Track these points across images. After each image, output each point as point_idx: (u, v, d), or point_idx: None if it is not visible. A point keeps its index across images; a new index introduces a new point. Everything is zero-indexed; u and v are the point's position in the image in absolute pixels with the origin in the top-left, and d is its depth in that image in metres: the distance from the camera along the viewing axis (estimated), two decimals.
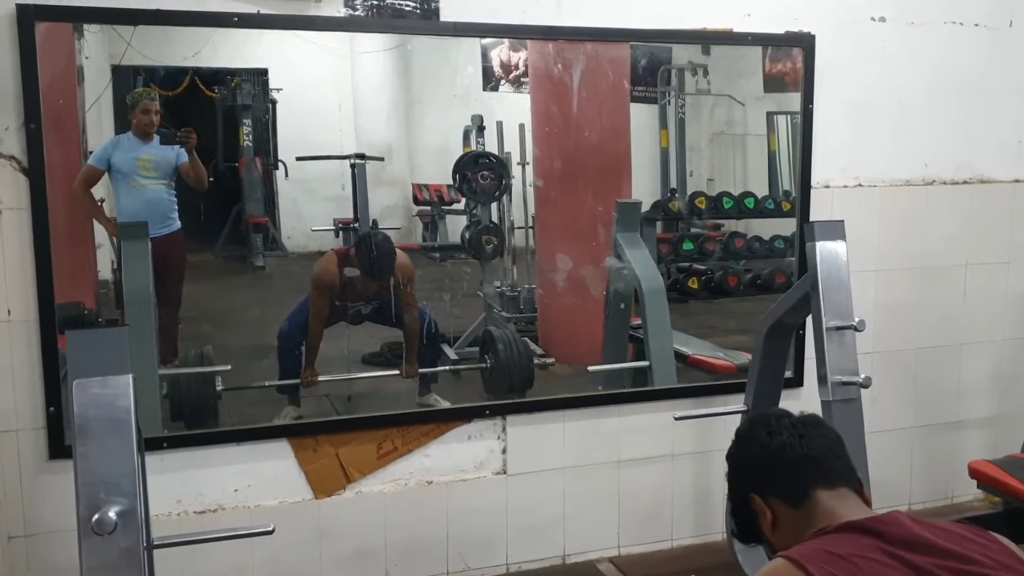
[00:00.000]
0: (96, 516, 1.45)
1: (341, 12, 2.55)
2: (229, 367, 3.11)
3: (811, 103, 3.02)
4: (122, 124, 3.06)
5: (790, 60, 3.14)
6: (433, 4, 2.63)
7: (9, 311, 2.34)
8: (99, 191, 2.97)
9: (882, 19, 3.09)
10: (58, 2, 2.30)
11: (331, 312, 3.30)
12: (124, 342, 1.56)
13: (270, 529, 1.98)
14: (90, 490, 1.49)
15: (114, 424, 1.53)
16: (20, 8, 2.26)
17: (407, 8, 2.62)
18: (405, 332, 3.36)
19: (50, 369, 2.36)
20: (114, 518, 1.46)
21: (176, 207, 3.06)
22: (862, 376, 2.33)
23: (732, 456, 1.60)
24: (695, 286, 4.17)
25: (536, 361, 3.46)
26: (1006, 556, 1.33)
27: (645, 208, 3.92)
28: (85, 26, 2.60)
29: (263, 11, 2.46)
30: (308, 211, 4.35)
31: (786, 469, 1.48)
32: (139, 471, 1.58)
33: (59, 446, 2.39)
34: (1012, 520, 2.72)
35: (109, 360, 1.54)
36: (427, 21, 2.63)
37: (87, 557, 1.48)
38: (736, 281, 4.18)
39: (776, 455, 1.49)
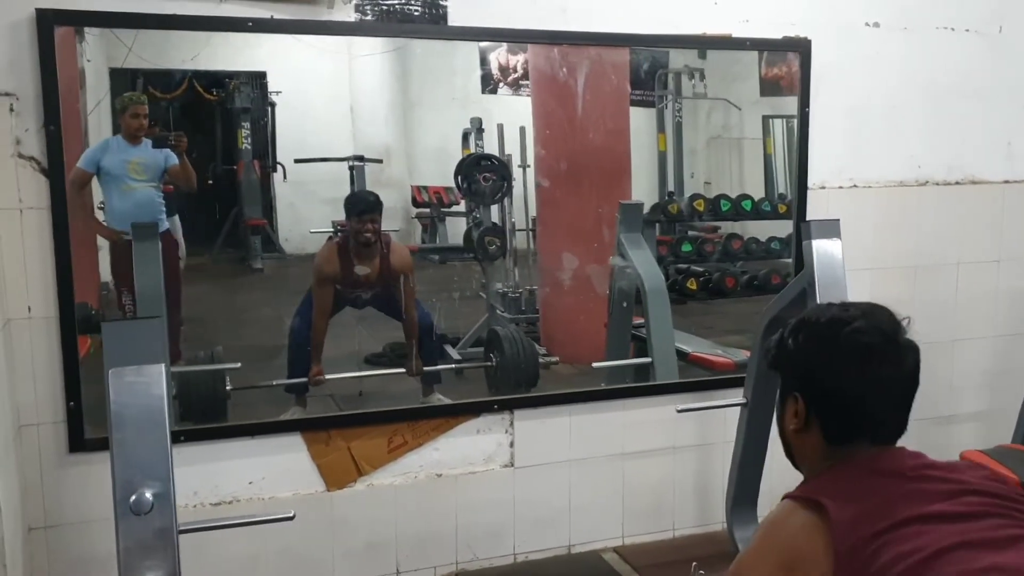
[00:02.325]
0: (134, 497, 1.51)
1: (352, 17, 2.62)
2: (239, 364, 3.16)
3: (807, 106, 3.10)
4: (119, 127, 3.08)
5: (785, 64, 3.21)
6: (441, 9, 2.70)
7: (30, 308, 2.39)
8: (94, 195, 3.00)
9: (876, 24, 3.17)
10: (76, 6, 2.35)
11: (334, 302, 3.34)
12: (158, 333, 1.63)
13: (291, 515, 2.04)
14: (126, 473, 1.55)
15: (149, 411, 1.59)
16: (40, 12, 2.31)
17: (415, 12, 2.69)
18: (406, 328, 3.39)
19: (70, 365, 2.41)
20: (151, 499, 1.52)
21: (164, 208, 3.07)
22: None
23: (801, 350, 1.34)
24: (693, 287, 4.21)
25: (540, 360, 3.52)
26: (995, 481, 1.35)
27: (646, 210, 3.98)
28: (86, 29, 2.58)
29: (277, 16, 2.53)
30: (306, 213, 4.37)
31: (846, 412, 1.30)
32: (171, 457, 1.65)
33: (79, 439, 2.44)
34: None
35: (144, 350, 1.60)
36: (435, 25, 2.70)
37: (124, 537, 1.54)
38: (733, 282, 4.23)
39: (846, 395, 1.29)
